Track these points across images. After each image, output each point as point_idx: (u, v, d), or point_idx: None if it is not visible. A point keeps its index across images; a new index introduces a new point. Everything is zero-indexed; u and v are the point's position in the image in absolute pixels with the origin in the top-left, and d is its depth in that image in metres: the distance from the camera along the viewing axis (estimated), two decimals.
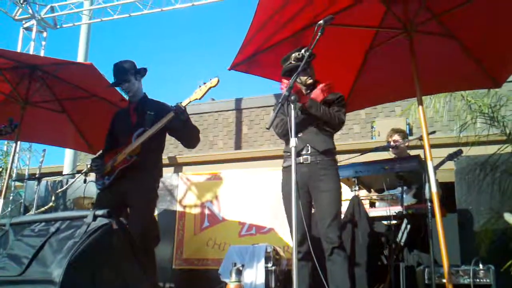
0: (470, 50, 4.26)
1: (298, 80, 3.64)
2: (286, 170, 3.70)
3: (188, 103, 3.91)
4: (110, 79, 5.25)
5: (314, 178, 3.54)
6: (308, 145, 3.57)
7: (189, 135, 4.19)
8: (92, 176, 4.87)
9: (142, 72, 4.22)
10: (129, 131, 4.04)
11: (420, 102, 3.80)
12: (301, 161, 3.55)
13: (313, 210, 3.69)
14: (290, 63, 3.61)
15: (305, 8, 3.87)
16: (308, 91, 3.74)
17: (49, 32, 11.04)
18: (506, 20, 3.99)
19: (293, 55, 3.61)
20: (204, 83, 3.88)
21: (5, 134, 4.27)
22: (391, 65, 4.48)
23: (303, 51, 3.52)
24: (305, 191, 3.58)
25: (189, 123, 4.06)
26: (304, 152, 3.57)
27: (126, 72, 4.12)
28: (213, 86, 3.86)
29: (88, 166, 5.61)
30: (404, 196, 4.43)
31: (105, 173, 4.03)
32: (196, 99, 3.91)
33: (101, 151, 4.47)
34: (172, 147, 11.12)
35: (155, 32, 39.43)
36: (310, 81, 3.71)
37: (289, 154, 3.44)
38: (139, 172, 3.94)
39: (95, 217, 2.40)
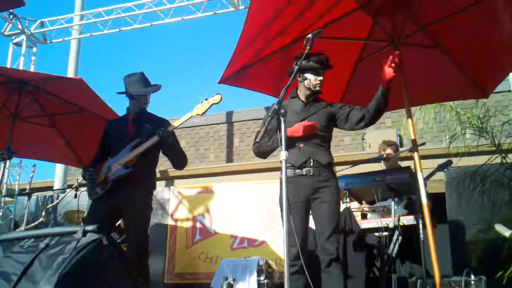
0: (457, 61, 4.30)
1: (306, 82, 3.66)
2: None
3: (189, 118, 3.97)
4: (101, 93, 5.30)
5: (315, 190, 3.54)
6: (311, 157, 3.57)
7: (174, 158, 4.25)
8: (82, 190, 4.84)
9: None
10: (125, 141, 4.04)
11: (409, 115, 3.83)
12: (304, 173, 3.55)
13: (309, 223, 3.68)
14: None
15: (293, 22, 3.90)
16: (310, 100, 3.73)
17: (39, 47, 11.01)
18: (493, 31, 4.04)
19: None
20: (206, 99, 3.93)
21: (2, 160, 4.27)
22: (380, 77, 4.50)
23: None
24: (304, 203, 3.56)
25: (175, 146, 4.12)
26: (307, 164, 3.57)
27: (148, 85, 4.22)
28: (216, 103, 3.92)
29: (79, 180, 5.59)
30: (396, 207, 4.44)
31: (98, 182, 4.01)
32: (198, 114, 3.96)
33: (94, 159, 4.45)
34: (163, 160, 10.98)
35: (145, 47, 39.46)
36: (318, 87, 3.69)
37: (289, 165, 3.46)
38: (133, 185, 3.93)
39: (85, 233, 2.39)
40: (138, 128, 4.09)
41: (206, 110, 3.92)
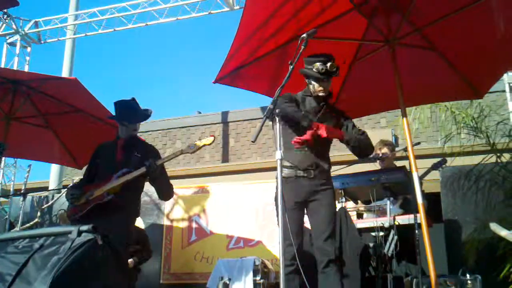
0: (452, 62, 4.32)
1: (312, 88, 3.64)
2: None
3: (179, 154, 4.00)
4: (96, 93, 5.28)
5: (315, 192, 3.55)
6: (315, 162, 3.58)
7: (160, 188, 4.18)
8: None
9: None
10: (112, 167, 3.98)
11: (404, 114, 3.84)
12: (305, 175, 3.55)
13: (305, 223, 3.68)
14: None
15: (288, 22, 3.90)
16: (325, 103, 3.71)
17: (33, 47, 10.98)
18: (487, 32, 4.06)
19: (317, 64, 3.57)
20: (200, 139, 3.96)
21: None
22: (375, 77, 4.53)
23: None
24: (301, 204, 3.56)
25: (162, 178, 4.07)
26: (311, 168, 3.57)
27: (141, 117, 4.21)
28: (208, 144, 3.95)
29: (74, 181, 5.58)
30: (391, 207, 4.44)
31: (78, 204, 3.97)
32: (188, 153, 3.97)
33: (78, 180, 4.42)
34: None
35: (140, 47, 39.43)
36: (322, 94, 3.65)
37: (291, 166, 3.48)
38: (114, 213, 3.83)
39: (79, 233, 2.37)
40: (127, 156, 4.04)
41: (197, 150, 3.95)
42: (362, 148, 3.70)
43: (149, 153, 4.03)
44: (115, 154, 4.10)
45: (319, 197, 3.54)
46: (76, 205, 4.00)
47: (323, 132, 3.47)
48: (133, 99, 4.23)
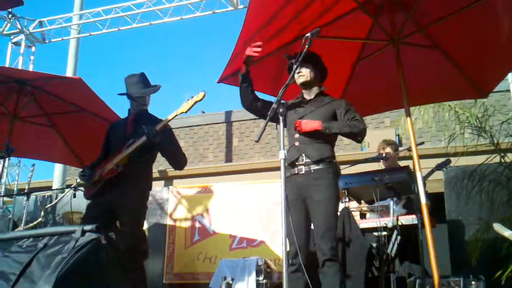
0: (456, 61, 4.31)
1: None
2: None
3: (175, 116, 3.97)
4: (100, 93, 5.29)
5: (308, 188, 3.48)
6: (302, 154, 3.54)
7: (169, 157, 4.22)
8: (81, 190, 4.85)
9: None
10: (123, 141, 4.05)
11: (408, 114, 3.83)
12: (296, 172, 3.53)
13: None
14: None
15: (292, 22, 3.90)
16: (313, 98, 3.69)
17: (37, 46, 11.03)
18: (491, 31, 4.05)
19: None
20: (192, 97, 3.93)
21: (0, 158, 4.27)
22: (379, 76, 4.52)
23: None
24: (301, 202, 3.52)
25: (168, 146, 4.10)
26: (299, 162, 3.53)
27: (149, 87, 4.25)
28: (199, 100, 3.93)
29: (78, 180, 5.59)
30: (395, 207, 4.44)
31: (93, 181, 4.03)
32: (182, 112, 3.97)
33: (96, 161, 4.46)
34: (162, 160, 10.97)
35: (144, 46, 39.48)
36: (301, 80, 3.64)
37: (287, 165, 3.44)
38: (126, 184, 3.93)
39: (83, 232, 2.38)
40: (135, 129, 4.09)
41: (190, 108, 3.94)
42: (351, 134, 3.55)
43: (155, 124, 4.03)
44: (125, 129, 4.17)
45: (313, 194, 3.45)
46: (90, 183, 4.06)
47: (300, 128, 3.50)
48: (142, 74, 4.28)
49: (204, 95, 3.92)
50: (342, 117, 3.58)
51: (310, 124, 3.51)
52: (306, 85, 3.69)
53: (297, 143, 3.55)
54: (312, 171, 3.49)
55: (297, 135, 3.56)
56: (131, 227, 3.93)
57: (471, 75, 4.41)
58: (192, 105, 3.93)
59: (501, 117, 5.91)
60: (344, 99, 3.85)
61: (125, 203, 3.91)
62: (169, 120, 3.99)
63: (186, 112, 3.97)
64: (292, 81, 3.41)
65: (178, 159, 4.26)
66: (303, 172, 3.51)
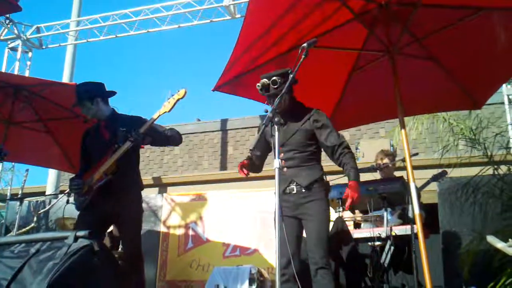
0: (451, 72, 4.34)
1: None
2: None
3: (158, 116, 3.93)
4: None
5: (300, 206, 3.53)
6: (293, 180, 3.56)
7: (162, 144, 4.30)
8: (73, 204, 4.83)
9: (106, 95, 4.20)
10: (103, 148, 4.00)
11: (403, 125, 3.85)
12: (288, 192, 3.55)
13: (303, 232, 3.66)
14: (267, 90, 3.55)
15: (289, 32, 3.92)
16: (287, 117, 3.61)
17: (34, 52, 11.03)
18: (486, 44, 4.08)
19: (263, 81, 3.55)
20: (172, 95, 3.90)
21: None
22: (374, 87, 4.54)
23: (275, 78, 3.50)
24: (294, 218, 3.54)
25: (156, 138, 4.07)
26: (289, 186, 3.56)
27: (82, 97, 4.12)
28: (181, 98, 3.89)
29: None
30: (389, 217, 4.44)
31: (83, 192, 3.99)
32: (166, 112, 3.92)
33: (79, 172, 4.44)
34: (156, 167, 11.06)
35: (141, 54, 39.52)
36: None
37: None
38: (119, 191, 3.91)
39: (76, 238, 2.38)
40: (113, 133, 4.03)
41: (172, 107, 3.88)
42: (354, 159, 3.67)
43: (133, 123, 3.98)
44: (101, 135, 4.11)
45: (305, 210, 3.50)
46: (81, 195, 4.02)
47: (353, 202, 3.45)
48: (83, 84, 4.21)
49: (185, 92, 3.88)
50: (323, 139, 3.60)
51: (356, 191, 3.47)
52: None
53: (285, 169, 3.49)
54: (304, 191, 3.54)
55: (282, 154, 3.46)
56: (134, 235, 3.95)
57: (466, 86, 4.44)
58: (175, 104, 3.88)
59: (495, 129, 5.93)
60: (317, 111, 3.72)
61: (124, 211, 3.90)
62: (154, 120, 3.94)
63: (169, 111, 3.91)
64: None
65: (171, 143, 4.26)
66: (294, 192, 3.55)
